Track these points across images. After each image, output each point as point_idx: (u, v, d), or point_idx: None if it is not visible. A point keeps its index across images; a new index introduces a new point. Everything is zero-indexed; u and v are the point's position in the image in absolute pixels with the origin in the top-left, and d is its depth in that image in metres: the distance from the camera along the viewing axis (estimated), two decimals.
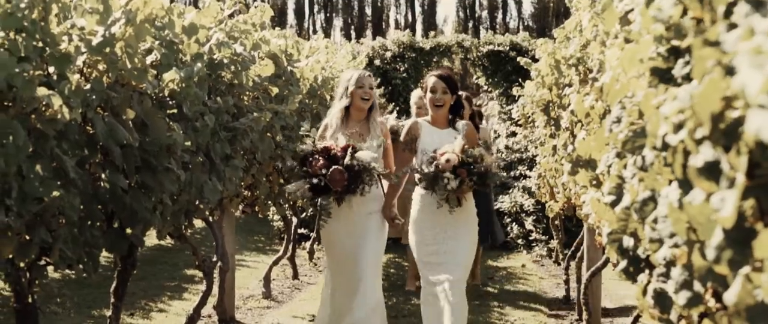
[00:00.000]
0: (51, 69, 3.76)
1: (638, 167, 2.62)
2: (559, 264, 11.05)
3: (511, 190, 12.61)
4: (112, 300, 4.99)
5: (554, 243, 11.27)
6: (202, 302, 6.04)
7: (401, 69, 13.89)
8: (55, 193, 3.59)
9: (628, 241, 3.02)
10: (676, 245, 2.34)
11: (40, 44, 3.64)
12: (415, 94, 9.10)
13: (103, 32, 4.04)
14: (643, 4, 2.76)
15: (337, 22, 54.20)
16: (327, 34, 51.13)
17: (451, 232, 6.35)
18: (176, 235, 5.49)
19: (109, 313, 4.92)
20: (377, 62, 13.80)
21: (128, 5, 4.18)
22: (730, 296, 1.86)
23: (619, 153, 3.07)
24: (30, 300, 3.93)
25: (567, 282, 9.24)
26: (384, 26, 52.83)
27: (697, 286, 2.29)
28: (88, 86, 3.95)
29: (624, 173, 2.93)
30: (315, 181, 6.08)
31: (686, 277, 2.35)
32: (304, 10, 52.23)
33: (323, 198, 6.32)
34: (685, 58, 2.42)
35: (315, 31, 50.71)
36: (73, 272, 4.15)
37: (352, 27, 53.20)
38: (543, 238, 12.15)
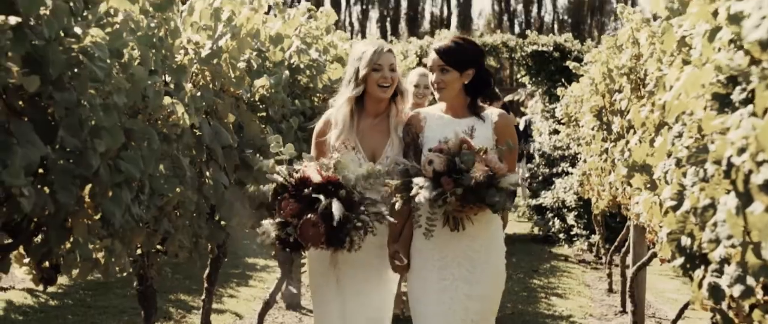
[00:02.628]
0: (167, 78, 4.24)
1: (700, 178, 3.06)
2: (600, 258, 11.50)
3: (553, 186, 13.03)
4: (206, 285, 5.55)
5: (595, 238, 11.70)
6: (278, 288, 6.55)
7: None
8: (178, 190, 4.11)
9: (685, 241, 3.46)
10: (733, 246, 2.78)
11: (162, 58, 4.13)
12: (416, 73, 7.27)
13: (211, 45, 4.54)
14: (703, 36, 3.20)
15: (373, 14, 54.53)
16: (362, 27, 51.47)
17: (467, 265, 4.47)
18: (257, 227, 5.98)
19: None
20: (425, 60, 14.16)
21: (232, 21, 4.67)
22: None
23: (678, 162, 3.51)
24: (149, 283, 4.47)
25: (610, 275, 9.71)
26: (419, 19, 53.14)
27: (750, 280, 2.73)
28: (198, 94, 4.44)
29: (684, 181, 3.36)
30: (283, 233, 4.19)
31: (740, 273, 2.79)
32: (341, 2, 52.53)
33: (295, 254, 4.61)
34: (742, 85, 2.87)
35: (351, 24, 51.06)
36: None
37: (388, 19, 53.52)
38: (584, 232, 12.57)
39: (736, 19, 2.79)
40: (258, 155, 4.58)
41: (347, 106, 4.63)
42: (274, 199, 4.27)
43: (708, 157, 2.93)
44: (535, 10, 52.81)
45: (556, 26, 50.60)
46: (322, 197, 4.07)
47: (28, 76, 2.75)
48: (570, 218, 12.76)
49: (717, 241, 2.93)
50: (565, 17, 52.39)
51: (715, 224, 2.92)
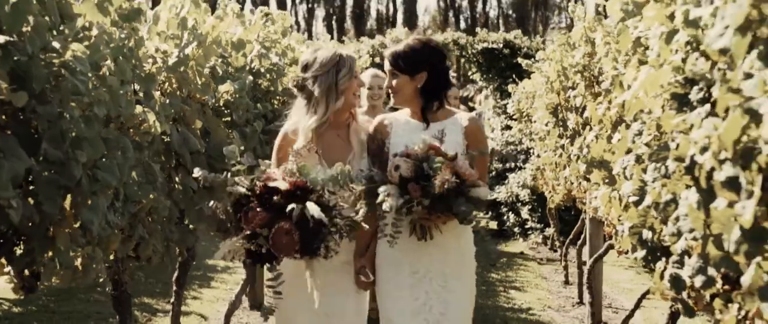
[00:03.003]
0: (136, 87, 4.31)
1: (662, 174, 3.21)
2: (555, 250, 11.71)
3: (506, 181, 13.22)
4: (175, 288, 5.61)
5: (550, 231, 11.91)
6: (243, 290, 6.62)
7: None
8: (151, 196, 4.18)
9: (646, 234, 3.60)
10: (694, 238, 2.92)
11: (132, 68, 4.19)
12: (369, 74, 6.94)
13: (177, 53, 4.61)
14: (660, 37, 3.34)
15: (319, 13, 54.50)
16: (309, 26, 51.42)
17: (439, 280, 4.34)
18: (223, 230, 6.05)
19: None
20: (378, 60, 14.33)
21: (198, 30, 4.75)
22: (745, 279, 2.45)
23: (638, 158, 3.65)
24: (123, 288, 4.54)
25: (566, 267, 9.90)
26: (365, 16, 53.21)
27: (711, 271, 2.87)
28: (167, 101, 4.51)
29: (644, 177, 3.50)
30: (253, 246, 3.85)
31: (701, 264, 2.93)
32: (287, 2, 52.43)
33: (269, 268, 3.96)
34: (699, 85, 3.02)
35: (297, 23, 50.99)
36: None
37: (334, 18, 53.52)
38: (538, 226, 12.78)
39: (693, 23, 2.93)
40: (212, 174, 4.07)
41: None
42: (236, 210, 3.91)
43: (669, 155, 3.07)
44: (480, 5, 53.15)
45: (500, 21, 51.02)
46: (294, 204, 3.73)
47: (16, 92, 2.82)
48: (524, 212, 12.94)
49: (679, 234, 3.06)
50: (510, 12, 52.80)
51: (677, 218, 3.05)
